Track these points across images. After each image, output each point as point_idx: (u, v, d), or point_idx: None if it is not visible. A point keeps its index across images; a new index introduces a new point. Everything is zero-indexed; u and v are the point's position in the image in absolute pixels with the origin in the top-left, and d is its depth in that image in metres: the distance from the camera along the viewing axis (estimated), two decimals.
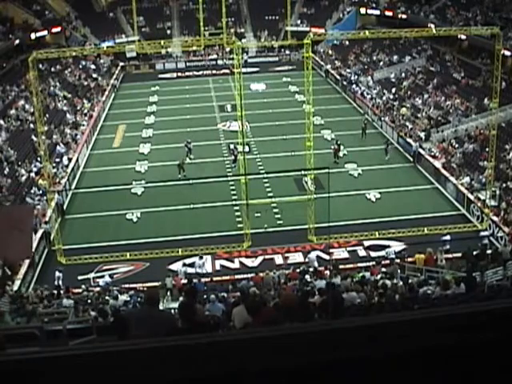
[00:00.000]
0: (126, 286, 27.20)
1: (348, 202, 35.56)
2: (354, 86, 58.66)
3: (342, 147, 42.55)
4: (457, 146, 41.37)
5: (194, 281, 26.22)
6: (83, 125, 50.89)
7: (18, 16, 64.75)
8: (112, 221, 34.57)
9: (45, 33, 66.95)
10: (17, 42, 59.66)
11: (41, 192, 36.48)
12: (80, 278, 28.44)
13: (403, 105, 50.50)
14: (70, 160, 42.75)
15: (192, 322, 7.12)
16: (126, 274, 29.59)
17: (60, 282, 26.69)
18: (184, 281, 26.45)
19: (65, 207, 36.43)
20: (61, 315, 17.06)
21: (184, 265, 29.39)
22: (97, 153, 46.85)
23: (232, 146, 41.82)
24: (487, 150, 34.12)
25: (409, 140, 43.57)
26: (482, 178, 35.39)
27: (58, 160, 41.98)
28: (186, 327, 6.89)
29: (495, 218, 31.80)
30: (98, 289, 25.77)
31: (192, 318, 7.20)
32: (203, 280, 26.89)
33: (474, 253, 27.22)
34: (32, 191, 36.76)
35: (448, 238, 30.00)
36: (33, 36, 63.53)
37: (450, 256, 28.33)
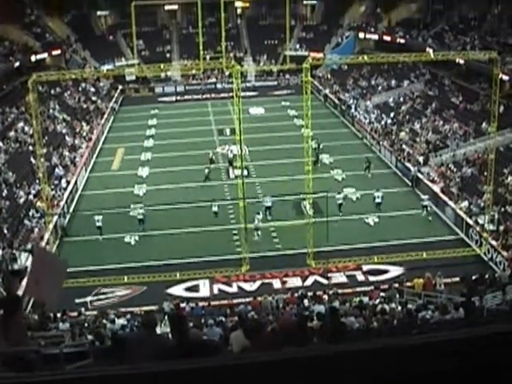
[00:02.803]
0: (123, 309, 27.07)
1: (346, 225, 35.54)
2: (352, 110, 58.89)
3: (321, 146, 42.97)
4: (455, 170, 41.42)
5: (192, 305, 26.11)
6: (82, 147, 50.96)
7: (18, 38, 65.12)
8: (110, 244, 34.49)
9: (45, 55, 67.25)
10: (17, 64, 59.88)
11: (39, 214, 36.44)
12: (77, 301, 28.32)
13: (402, 129, 50.64)
14: (68, 182, 42.75)
15: (184, 335, 7.07)
16: (123, 298, 29.47)
17: None
18: None
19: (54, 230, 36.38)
20: (57, 339, 16.93)
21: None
22: (95, 175, 46.88)
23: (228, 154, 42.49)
24: (485, 174, 34.15)
25: (407, 164, 43.64)
26: (481, 203, 35.39)
27: (56, 182, 41.95)
28: (182, 351, 6.83)
29: (494, 243, 31.74)
30: (95, 312, 25.64)
31: (184, 331, 7.16)
32: (201, 304, 26.77)
33: (473, 277, 27.14)
34: (30, 213, 36.71)
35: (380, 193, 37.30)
36: (33, 58, 63.78)
37: (448, 280, 28.25)
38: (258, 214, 35.32)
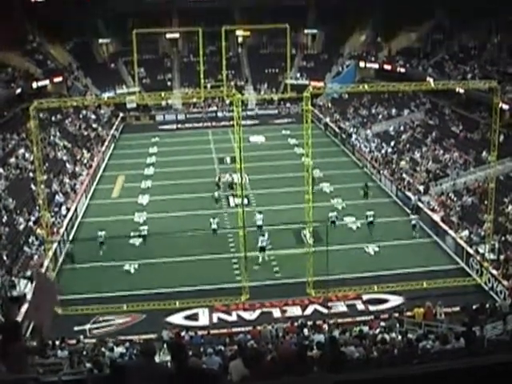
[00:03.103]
0: (122, 337, 26.94)
1: (347, 255, 35.50)
2: (352, 139, 59.06)
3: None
4: (455, 199, 41.45)
5: (191, 334, 26.00)
6: (82, 174, 51.04)
7: (19, 65, 65.54)
8: (109, 272, 34.42)
9: (46, 82, 67.63)
10: (18, 90, 60.23)
11: (39, 241, 36.41)
12: (76, 328, 28.21)
13: (402, 158, 50.73)
14: (68, 210, 42.74)
15: (183, 363, 7.05)
16: (122, 326, 29.34)
17: None
18: None
19: (62, 257, 36.37)
20: (56, 366, 16.86)
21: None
22: (96, 203, 46.90)
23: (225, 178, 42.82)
24: (486, 203, 34.16)
25: (408, 193, 43.67)
26: (481, 232, 35.36)
27: (56, 209, 41.96)
28: (181, 379, 6.82)
29: (494, 272, 31.66)
30: (93, 340, 25.53)
31: (183, 359, 7.14)
32: (200, 333, 26.65)
33: (474, 307, 27.03)
34: (30, 240, 36.67)
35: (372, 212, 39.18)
36: (34, 85, 64.16)
37: (449, 310, 28.16)
38: (263, 235, 35.64)
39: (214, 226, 38.44)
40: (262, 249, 35.11)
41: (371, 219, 39.31)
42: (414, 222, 38.88)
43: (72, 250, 36.35)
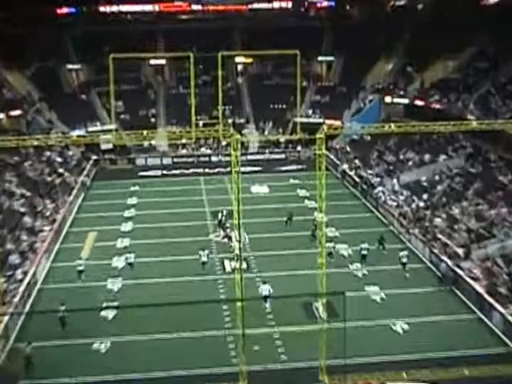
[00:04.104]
0: None
1: (369, 333, 35.27)
2: (376, 190, 59.17)
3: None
4: (503, 265, 41.34)
5: None
6: (44, 230, 50.98)
7: None
8: (76, 351, 34.14)
9: (1, 116, 67.92)
10: None
11: None
12: None
13: (437, 214, 50.77)
14: (25, 274, 42.58)
15: None
16: None
17: None
18: None
19: (15, 334, 36.07)
20: None
21: None
22: (59, 266, 46.72)
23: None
24: None
25: (444, 258, 43.59)
26: None
27: (10, 273, 41.82)
28: None
29: None
30: None
31: None
32: None
33: None
34: None
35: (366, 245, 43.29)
36: None
37: None
38: (264, 283, 36.16)
39: (204, 259, 41.72)
40: (266, 298, 35.59)
41: (365, 253, 40.48)
42: (404, 259, 42.95)
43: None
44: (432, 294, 40.60)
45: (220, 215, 53.61)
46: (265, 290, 37.81)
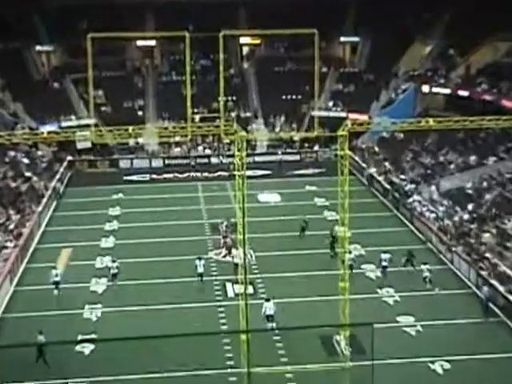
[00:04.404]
0: None
1: (402, 373, 35.21)
2: (410, 199, 59.13)
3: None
4: None
5: None
6: (7, 247, 51.05)
7: None
8: None
9: None
10: None
11: None
12: None
13: (485, 229, 50.72)
14: None
15: None
16: None
17: None
18: None
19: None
20: None
21: None
22: (26, 290, 46.74)
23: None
24: None
25: (493, 282, 43.50)
26: None
27: None
28: None
29: None
30: None
31: None
32: None
33: None
34: None
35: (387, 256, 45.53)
36: None
37: None
38: (268, 300, 37.28)
39: (200, 270, 43.24)
40: (270, 318, 36.46)
41: (386, 264, 40.91)
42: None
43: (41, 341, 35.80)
44: (479, 326, 40.52)
45: (221, 228, 53.69)
46: (268, 308, 38.20)
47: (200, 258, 44.88)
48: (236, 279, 43.15)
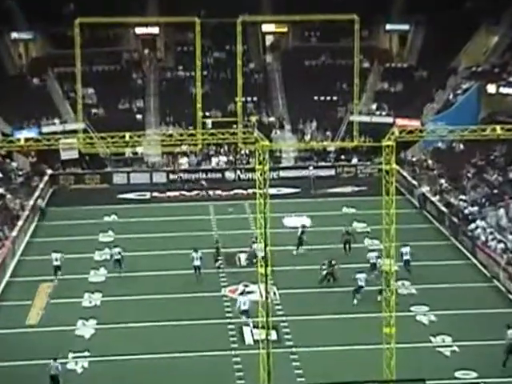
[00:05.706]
0: None
1: None
2: (473, 225, 59.03)
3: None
4: None
5: None
6: None
7: None
8: None
9: None
10: None
11: None
12: None
13: None
14: None
15: None
16: None
17: None
18: None
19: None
20: None
21: None
22: None
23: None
24: None
25: None
26: None
27: None
28: None
29: None
30: None
31: None
32: None
33: None
34: None
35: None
36: None
37: None
38: (242, 294, 40.31)
39: (197, 263, 46.25)
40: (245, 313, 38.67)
41: (407, 257, 41.64)
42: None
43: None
44: None
45: (237, 259, 53.86)
46: (243, 303, 42.04)
47: (196, 250, 46.95)
48: (256, 322, 43.19)
